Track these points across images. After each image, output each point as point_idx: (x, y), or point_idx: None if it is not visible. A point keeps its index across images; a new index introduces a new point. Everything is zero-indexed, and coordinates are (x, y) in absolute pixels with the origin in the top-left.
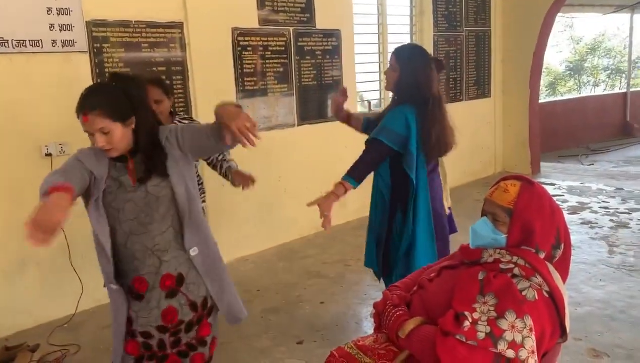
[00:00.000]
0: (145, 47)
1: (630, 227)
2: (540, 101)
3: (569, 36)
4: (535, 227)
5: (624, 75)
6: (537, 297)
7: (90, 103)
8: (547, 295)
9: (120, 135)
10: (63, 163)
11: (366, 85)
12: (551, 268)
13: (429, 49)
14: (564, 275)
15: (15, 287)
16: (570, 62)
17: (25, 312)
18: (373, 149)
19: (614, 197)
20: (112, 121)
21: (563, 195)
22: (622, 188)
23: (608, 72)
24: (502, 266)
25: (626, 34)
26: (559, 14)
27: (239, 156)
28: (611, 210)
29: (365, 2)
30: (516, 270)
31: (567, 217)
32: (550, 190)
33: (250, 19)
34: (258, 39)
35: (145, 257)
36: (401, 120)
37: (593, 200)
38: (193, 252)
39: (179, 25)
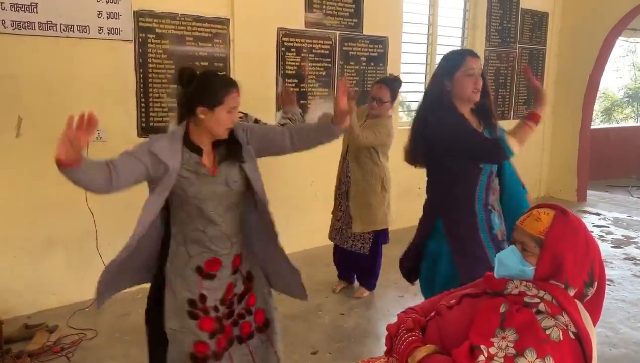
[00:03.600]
0: (189, 40)
1: None
2: (593, 127)
3: (631, 62)
4: (566, 261)
5: None
6: (562, 338)
7: (235, 82)
8: (573, 337)
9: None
10: (135, 146)
11: (411, 95)
12: (581, 307)
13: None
14: (595, 317)
15: (42, 266)
16: (630, 88)
17: (49, 292)
18: None
19: None
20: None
21: (608, 227)
22: None
23: None
24: (526, 300)
25: None
26: (621, 38)
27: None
28: None
29: (416, 11)
30: (541, 306)
31: (610, 251)
32: (595, 220)
33: (296, 20)
34: (303, 40)
35: (222, 242)
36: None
37: (639, 235)
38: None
39: (224, 22)
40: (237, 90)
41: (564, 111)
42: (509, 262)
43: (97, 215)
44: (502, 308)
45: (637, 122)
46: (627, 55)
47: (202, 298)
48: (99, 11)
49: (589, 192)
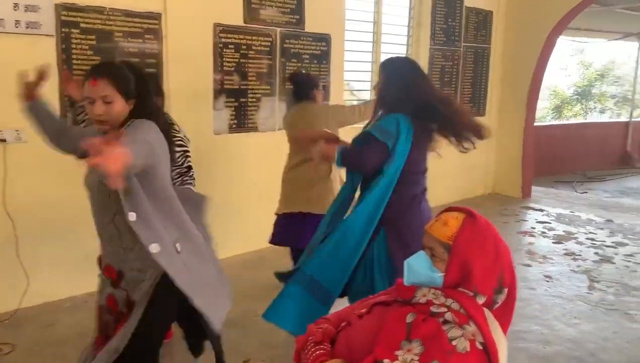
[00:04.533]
0: (118, 36)
1: (614, 263)
2: (542, 124)
3: (579, 61)
4: (475, 268)
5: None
6: (468, 349)
7: (102, 70)
8: (480, 348)
9: (119, 109)
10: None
11: (356, 94)
12: (489, 316)
13: (425, 62)
14: (505, 325)
15: None
16: (579, 87)
17: None
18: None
19: (602, 229)
20: (117, 92)
21: (550, 223)
22: (612, 221)
23: (615, 99)
24: (433, 309)
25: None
26: (569, 38)
27: (214, 158)
28: (597, 243)
29: (360, 8)
30: (448, 316)
31: (551, 247)
32: (538, 216)
33: (234, 16)
34: (242, 37)
35: (102, 242)
36: (393, 122)
37: (581, 230)
38: (154, 249)
39: (156, 16)
40: (93, 79)
41: (509, 109)
42: (418, 268)
43: (17, 220)
44: (409, 319)
45: (585, 119)
46: (575, 55)
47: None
48: (15, 3)
49: (534, 188)
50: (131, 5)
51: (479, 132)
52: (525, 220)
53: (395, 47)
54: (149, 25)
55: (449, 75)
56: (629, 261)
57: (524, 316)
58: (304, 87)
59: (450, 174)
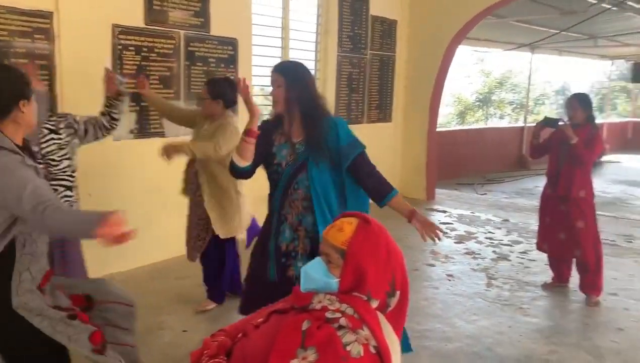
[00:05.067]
0: (3, 35)
1: (510, 260)
2: (445, 129)
3: (480, 69)
4: (368, 272)
5: (528, 109)
6: (362, 354)
7: None
8: (374, 351)
9: None
10: None
11: (264, 99)
12: (382, 319)
13: (332, 69)
14: (399, 327)
15: None
16: (480, 94)
17: None
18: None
19: (500, 228)
20: None
21: (453, 224)
22: (508, 220)
23: (513, 106)
24: (328, 315)
25: (531, 71)
26: (471, 48)
27: (115, 166)
28: (495, 242)
29: (268, 13)
30: (343, 321)
31: (453, 247)
32: (441, 217)
33: (134, 17)
34: (143, 39)
35: None
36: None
37: (480, 230)
38: None
39: (47, 15)
40: None
41: (413, 115)
42: (314, 274)
43: None
44: (304, 326)
45: (486, 124)
46: (477, 63)
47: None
48: None
49: (438, 190)
50: (18, 2)
51: None
52: None
53: (303, 53)
54: (39, 24)
55: (357, 82)
56: (523, 258)
57: (428, 315)
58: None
59: None
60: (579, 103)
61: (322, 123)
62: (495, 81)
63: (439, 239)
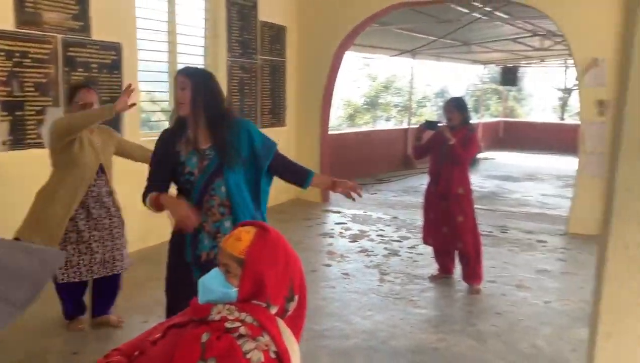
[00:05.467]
0: None
1: (400, 255)
2: (336, 132)
3: (367, 74)
4: (267, 279)
5: (411, 111)
6: (262, 360)
7: None
8: (274, 357)
9: None
10: None
11: (152, 105)
12: (281, 324)
13: (223, 74)
14: (298, 331)
15: None
16: (368, 97)
17: None
18: None
19: (390, 225)
20: None
21: (347, 223)
22: (397, 217)
23: (398, 108)
24: (227, 325)
25: (413, 76)
26: (358, 54)
27: None
28: (386, 238)
29: (153, 17)
30: (242, 330)
31: (348, 246)
32: (336, 218)
33: (3, 19)
34: (13, 43)
35: None
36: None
37: (372, 228)
38: None
39: None
40: None
41: (306, 119)
42: (212, 285)
43: None
44: (204, 338)
45: (374, 127)
46: (363, 68)
47: None
48: None
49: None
50: None
51: None
52: (325, 223)
53: (192, 57)
54: None
55: (248, 87)
56: (412, 252)
57: (326, 314)
58: None
59: None
60: (455, 106)
61: (231, 126)
62: (381, 85)
63: (360, 196)
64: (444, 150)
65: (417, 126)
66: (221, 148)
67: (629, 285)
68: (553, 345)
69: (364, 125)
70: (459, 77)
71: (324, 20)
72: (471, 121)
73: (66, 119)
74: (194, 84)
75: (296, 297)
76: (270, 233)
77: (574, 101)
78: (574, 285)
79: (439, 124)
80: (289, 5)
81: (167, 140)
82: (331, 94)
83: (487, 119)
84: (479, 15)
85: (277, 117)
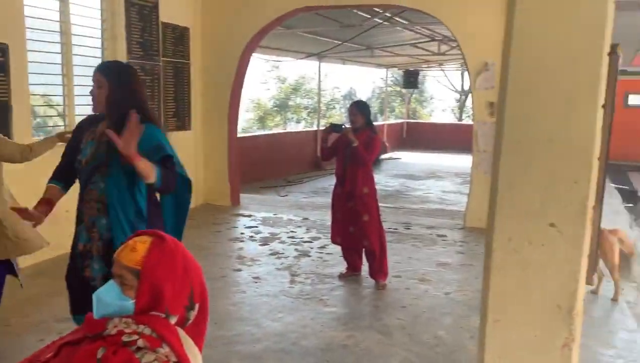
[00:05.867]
0: None
1: (310, 256)
2: (246, 135)
3: (276, 76)
4: (164, 289)
5: (320, 113)
6: None
7: None
8: None
9: None
10: None
11: (46, 109)
12: (182, 334)
13: None
14: (200, 339)
15: None
16: (277, 99)
17: None
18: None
19: (300, 226)
20: None
21: (257, 227)
22: (308, 218)
23: (308, 110)
24: (125, 338)
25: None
26: (266, 56)
27: None
28: (297, 240)
29: (44, 17)
30: (140, 342)
31: (259, 249)
32: (247, 222)
33: None
34: None
35: None
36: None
37: (283, 230)
38: None
39: None
40: None
41: (213, 122)
42: (107, 298)
43: None
44: (99, 354)
45: (285, 129)
46: (272, 70)
47: None
48: None
49: (243, 195)
50: None
51: None
52: (235, 227)
53: (89, 59)
54: None
55: (151, 90)
56: (322, 252)
57: (237, 319)
58: None
59: None
60: (358, 109)
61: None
62: (291, 87)
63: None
64: (349, 152)
65: (323, 129)
66: (110, 144)
67: (512, 275)
68: (453, 334)
69: (275, 127)
70: (366, 79)
71: (229, 22)
72: (374, 123)
73: None
74: (110, 83)
75: (197, 305)
76: (167, 242)
77: (470, 103)
78: (471, 276)
79: (343, 127)
80: (192, 7)
81: (81, 126)
82: (239, 97)
83: (392, 120)
84: (380, 21)
85: (182, 120)
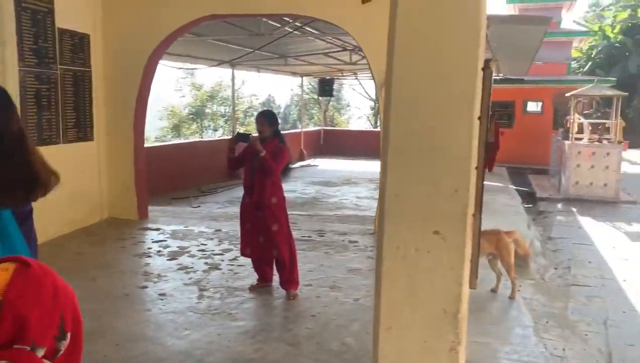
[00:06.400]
0: None
1: (221, 269)
2: (157, 144)
3: (191, 83)
4: (29, 320)
5: (238, 121)
6: None
7: None
8: None
9: None
10: None
11: None
12: None
13: (15, 85)
14: None
15: None
16: (193, 107)
17: None
18: None
19: (212, 239)
20: None
21: (166, 241)
22: (220, 230)
23: (225, 118)
24: None
25: (237, 86)
26: (175, 63)
27: None
28: (208, 253)
29: None
30: None
31: (166, 264)
32: (155, 236)
33: None
34: None
35: None
36: None
37: (193, 243)
38: None
39: None
40: None
41: (118, 132)
42: None
43: None
44: None
45: (202, 137)
46: (187, 77)
47: None
48: None
49: (152, 208)
50: None
51: (38, 189)
52: (142, 242)
53: None
54: None
55: (47, 99)
56: (233, 264)
57: (140, 339)
58: None
59: (55, 204)
60: (265, 119)
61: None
62: (207, 94)
63: None
64: (256, 162)
65: (230, 138)
66: None
67: (401, 282)
68: (360, 340)
69: (191, 135)
70: (285, 87)
71: (132, 29)
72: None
73: None
74: None
75: (68, 335)
76: (33, 269)
77: None
78: None
79: (250, 136)
80: (92, 13)
81: None
82: (145, 106)
83: (312, 127)
84: (290, 30)
85: (83, 131)
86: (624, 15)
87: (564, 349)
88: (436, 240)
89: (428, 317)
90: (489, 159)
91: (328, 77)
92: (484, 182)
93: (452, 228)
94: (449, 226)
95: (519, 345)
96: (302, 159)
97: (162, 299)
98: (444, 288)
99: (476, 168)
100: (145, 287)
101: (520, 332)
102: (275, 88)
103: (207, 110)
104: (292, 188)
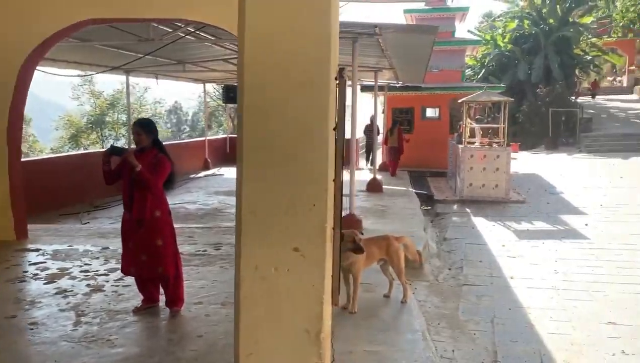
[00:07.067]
0: None
1: (104, 291)
2: (41, 157)
3: (89, 90)
4: None
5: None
6: None
7: None
8: None
9: None
10: None
11: None
12: None
13: None
14: None
15: None
16: (92, 115)
17: None
18: None
19: (98, 258)
20: None
21: (45, 262)
22: (108, 247)
23: (127, 127)
24: None
25: (140, 93)
26: (60, 70)
27: None
28: (91, 273)
29: None
30: None
31: (42, 289)
32: (33, 257)
33: None
34: None
35: None
36: None
37: (76, 264)
38: None
39: None
40: None
41: None
42: None
43: None
44: None
45: (103, 147)
46: (86, 84)
47: None
48: None
49: (34, 226)
50: None
51: None
52: (18, 265)
53: None
54: None
55: None
56: (118, 285)
57: None
58: None
59: None
60: (142, 128)
61: None
62: (107, 102)
63: None
64: (133, 176)
65: (103, 151)
66: None
67: (261, 304)
68: None
69: (91, 145)
70: (194, 93)
71: (2, 33)
72: (162, 142)
73: None
74: None
75: None
76: None
77: None
78: None
79: (126, 150)
80: None
81: None
82: (20, 115)
83: (220, 135)
84: (182, 34)
85: None
86: (513, 25)
87: (453, 350)
88: (296, 257)
89: (290, 339)
90: (392, 164)
91: (234, 83)
92: (385, 186)
93: (312, 244)
94: (308, 242)
95: (407, 350)
96: (206, 168)
97: (32, 329)
98: (306, 308)
99: (334, 180)
100: (14, 316)
101: (410, 337)
102: (182, 95)
103: (108, 119)
104: (194, 199)
